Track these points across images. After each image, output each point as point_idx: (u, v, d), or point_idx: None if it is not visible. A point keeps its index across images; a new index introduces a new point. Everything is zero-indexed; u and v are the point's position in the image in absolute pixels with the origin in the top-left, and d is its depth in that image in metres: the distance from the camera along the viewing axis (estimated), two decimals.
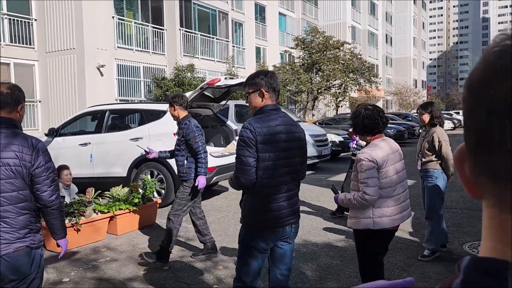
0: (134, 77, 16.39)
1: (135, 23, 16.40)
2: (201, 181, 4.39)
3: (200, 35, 18.82)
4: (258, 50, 27.05)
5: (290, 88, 25.30)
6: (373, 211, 2.88)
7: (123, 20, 15.97)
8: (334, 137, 13.27)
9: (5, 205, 2.34)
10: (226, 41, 20.40)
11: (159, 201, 6.63)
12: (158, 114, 7.35)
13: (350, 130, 6.15)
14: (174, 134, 7.16)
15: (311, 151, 10.52)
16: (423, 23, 68.55)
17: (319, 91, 25.73)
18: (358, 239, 3.01)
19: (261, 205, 2.59)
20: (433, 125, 4.66)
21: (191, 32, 18.31)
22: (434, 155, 4.61)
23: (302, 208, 7.07)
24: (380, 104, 46.19)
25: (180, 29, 17.66)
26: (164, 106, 7.74)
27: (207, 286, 3.98)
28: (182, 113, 4.44)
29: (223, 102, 8.01)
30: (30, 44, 14.88)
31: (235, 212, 6.74)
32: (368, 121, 2.93)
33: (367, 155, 2.85)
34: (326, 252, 4.87)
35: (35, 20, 14.97)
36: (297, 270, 4.31)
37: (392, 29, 56.46)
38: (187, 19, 18.26)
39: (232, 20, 21.20)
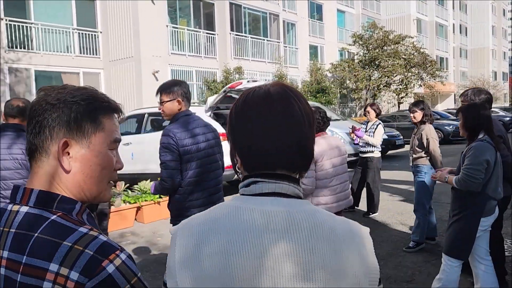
0: (187, 81, 17.41)
1: (187, 29, 17.53)
2: None
3: (251, 37, 19.51)
4: (314, 48, 27.15)
5: (348, 85, 25.13)
6: (312, 199, 3.25)
7: (176, 28, 17.17)
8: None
9: None
10: (277, 42, 20.89)
11: None
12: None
13: (352, 128, 6.40)
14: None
15: (348, 149, 10.65)
16: (504, 10, 63.45)
17: (379, 87, 25.20)
18: None
19: (189, 202, 2.82)
20: (422, 123, 4.82)
21: (241, 35, 19.08)
22: (424, 152, 4.77)
23: None
24: (451, 99, 43.71)
25: (230, 33, 18.50)
26: (194, 108, 8.47)
27: None
28: None
29: None
30: (96, 54, 16.60)
31: None
32: None
33: None
34: None
35: (101, 32, 16.65)
36: None
37: (467, 19, 53.13)
38: (238, 22, 19.05)
39: (283, 21, 21.63)
